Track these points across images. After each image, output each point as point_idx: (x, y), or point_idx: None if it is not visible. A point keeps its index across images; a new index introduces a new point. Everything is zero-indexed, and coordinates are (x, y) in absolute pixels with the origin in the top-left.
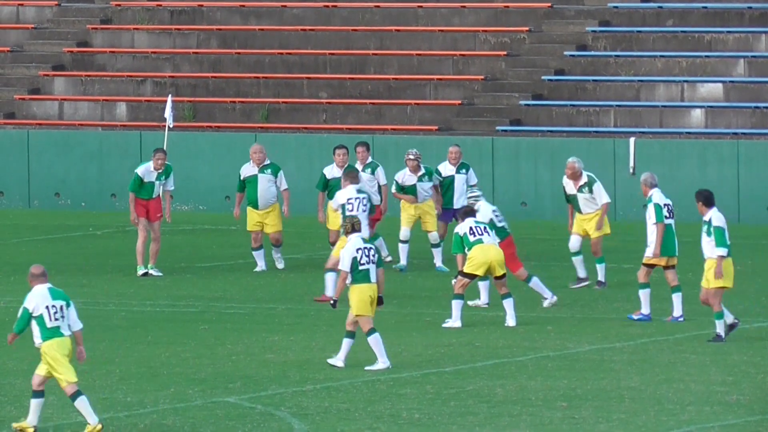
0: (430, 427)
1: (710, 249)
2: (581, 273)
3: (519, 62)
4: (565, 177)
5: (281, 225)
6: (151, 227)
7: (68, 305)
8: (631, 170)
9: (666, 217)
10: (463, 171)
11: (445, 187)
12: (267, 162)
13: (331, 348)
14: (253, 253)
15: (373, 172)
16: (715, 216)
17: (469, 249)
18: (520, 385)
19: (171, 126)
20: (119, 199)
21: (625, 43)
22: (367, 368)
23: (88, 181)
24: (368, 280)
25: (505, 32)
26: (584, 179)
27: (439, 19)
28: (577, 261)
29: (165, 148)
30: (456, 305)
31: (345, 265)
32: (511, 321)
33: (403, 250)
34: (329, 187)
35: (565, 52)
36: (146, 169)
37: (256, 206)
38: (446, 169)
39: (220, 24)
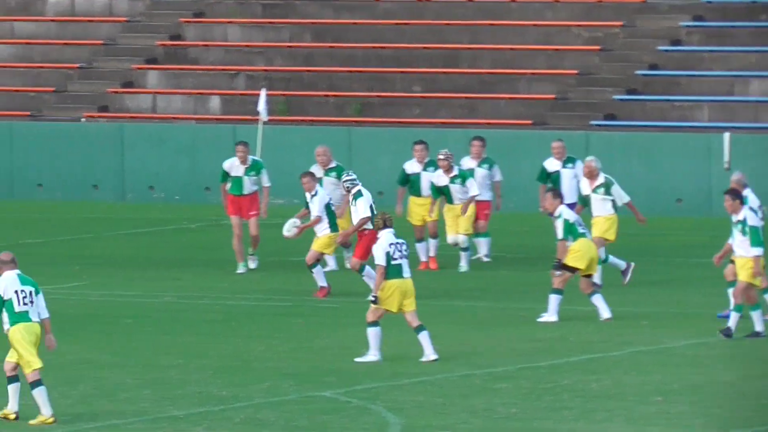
0: (525, 421)
1: (745, 248)
2: (622, 265)
3: (612, 57)
4: (582, 177)
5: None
6: (248, 224)
7: (37, 292)
8: (725, 165)
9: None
10: (570, 165)
11: (553, 184)
12: (333, 165)
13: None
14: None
15: (490, 168)
16: (749, 215)
17: (574, 240)
18: (614, 379)
19: (265, 120)
20: (213, 192)
21: (718, 37)
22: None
23: (181, 175)
24: (400, 275)
25: (598, 27)
26: (601, 179)
27: (532, 14)
28: (612, 261)
29: (259, 142)
30: (554, 300)
31: (380, 260)
32: (605, 313)
33: (462, 256)
34: (409, 182)
35: (659, 47)
36: (232, 163)
37: None
38: (552, 164)
39: (313, 18)
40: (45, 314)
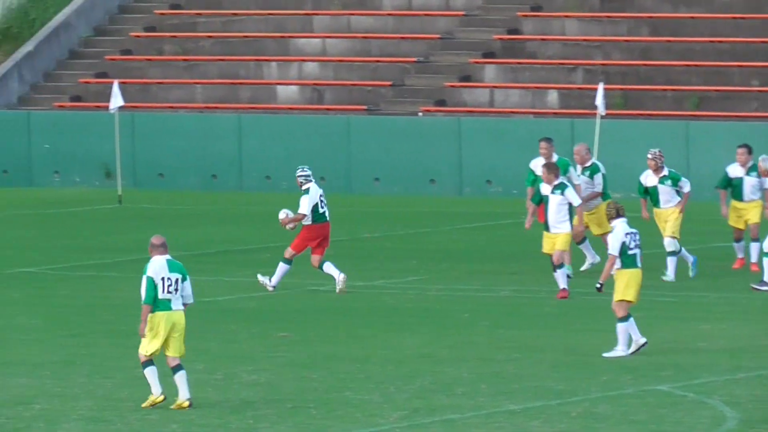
0: None
1: None
2: None
3: None
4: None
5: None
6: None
7: (184, 279)
8: None
9: None
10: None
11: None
12: (589, 163)
13: (763, 336)
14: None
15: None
16: None
17: None
18: None
19: (603, 114)
20: None
21: None
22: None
23: (519, 169)
24: (635, 265)
25: None
26: None
27: None
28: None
29: (597, 136)
30: None
31: (614, 249)
32: None
33: (671, 262)
34: (732, 186)
35: None
36: (537, 162)
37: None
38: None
39: (651, 12)
40: (189, 300)
